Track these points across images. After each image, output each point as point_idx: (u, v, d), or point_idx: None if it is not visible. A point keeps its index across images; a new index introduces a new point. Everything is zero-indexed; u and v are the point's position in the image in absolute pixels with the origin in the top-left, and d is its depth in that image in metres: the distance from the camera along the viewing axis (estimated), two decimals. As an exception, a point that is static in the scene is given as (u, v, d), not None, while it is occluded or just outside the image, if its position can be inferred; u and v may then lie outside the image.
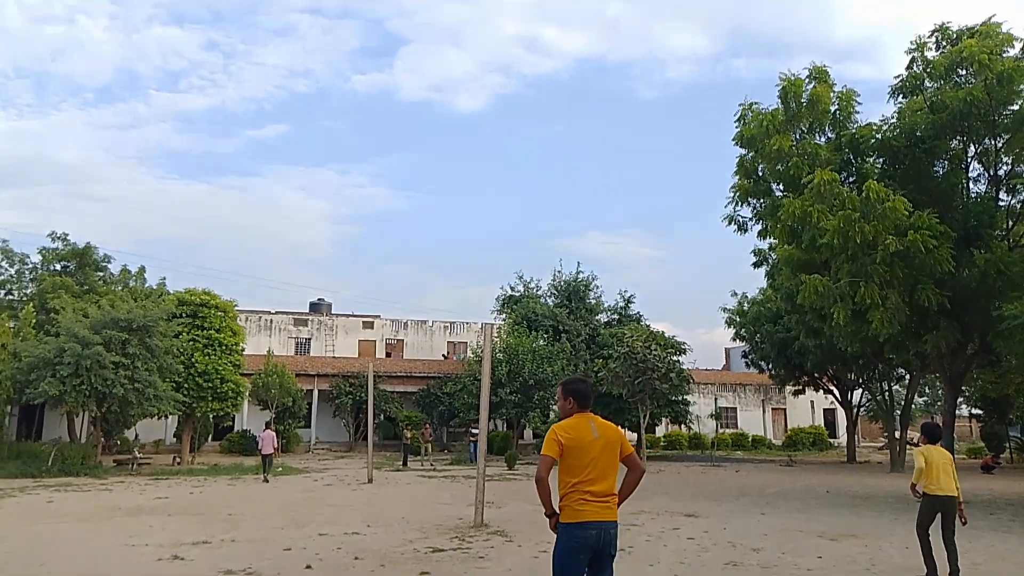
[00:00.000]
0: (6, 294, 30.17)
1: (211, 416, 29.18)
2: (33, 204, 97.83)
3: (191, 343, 25.86)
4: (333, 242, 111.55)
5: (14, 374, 22.38)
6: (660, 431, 43.18)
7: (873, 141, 16.10)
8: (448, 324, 49.46)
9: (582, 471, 4.40)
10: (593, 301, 40.22)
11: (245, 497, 16.04)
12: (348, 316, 48.33)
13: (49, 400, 22.29)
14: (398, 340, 48.01)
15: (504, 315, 39.73)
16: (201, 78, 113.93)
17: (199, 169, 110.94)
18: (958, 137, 16.54)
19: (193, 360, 25.68)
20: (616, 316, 40.30)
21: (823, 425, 47.86)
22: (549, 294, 40.61)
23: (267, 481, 20.01)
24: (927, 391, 44.74)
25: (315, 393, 36.99)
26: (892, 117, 16.50)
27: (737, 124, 17.00)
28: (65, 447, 23.52)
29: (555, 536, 4.46)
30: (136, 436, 28.52)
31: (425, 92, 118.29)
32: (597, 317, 39.99)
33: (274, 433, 22.99)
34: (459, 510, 13.46)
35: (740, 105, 16.94)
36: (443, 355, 46.55)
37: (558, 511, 4.43)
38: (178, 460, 26.49)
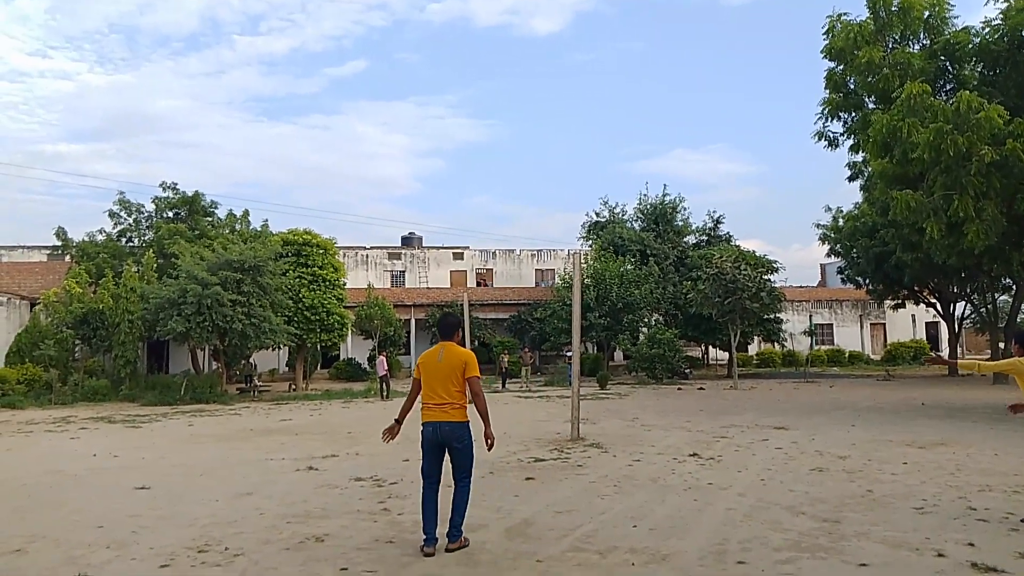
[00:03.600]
0: (127, 242, 32.66)
1: (319, 346, 31.16)
2: (132, 155, 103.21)
3: (297, 280, 27.56)
4: (417, 176, 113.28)
5: (143, 314, 24.60)
6: (752, 349, 43.16)
7: (971, 47, 15.39)
8: (535, 252, 50.21)
9: (427, 386, 5.89)
10: (681, 223, 40.00)
11: (360, 418, 17.48)
12: (439, 248, 49.73)
13: (176, 336, 24.42)
14: (487, 269, 49.18)
15: (591, 241, 40.09)
16: (281, 19, 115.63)
17: (284, 111, 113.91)
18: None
19: (300, 296, 27.42)
20: (705, 237, 40.03)
21: (925, 339, 46.62)
22: (635, 218, 40.63)
23: (386, 398, 22.57)
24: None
25: (412, 322, 38.71)
26: (996, 19, 15.66)
27: (825, 36, 16.53)
28: (193, 378, 25.81)
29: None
30: (254, 365, 30.71)
31: (501, 16, 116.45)
32: (685, 239, 39.83)
33: (385, 358, 25.19)
34: (556, 426, 14.38)
35: (828, 17, 16.44)
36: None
37: (401, 423, 6.15)
38: (293, 387, 28.65)
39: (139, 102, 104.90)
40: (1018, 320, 28.70)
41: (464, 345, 23.67)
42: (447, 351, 5.92)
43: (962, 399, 20.09)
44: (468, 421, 5.84)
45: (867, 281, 34.46)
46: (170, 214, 32.38)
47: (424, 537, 5.72)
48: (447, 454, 5.88)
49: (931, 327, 47.18)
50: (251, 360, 28.72)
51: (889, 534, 6.09)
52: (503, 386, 28.76)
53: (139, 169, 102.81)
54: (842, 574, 5.07)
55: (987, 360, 36.85)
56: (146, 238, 32.12)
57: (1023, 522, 6.42)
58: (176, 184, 32.37)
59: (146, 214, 32.65)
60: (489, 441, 5.97)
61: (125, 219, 32.48)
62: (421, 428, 5.86)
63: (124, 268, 27.10)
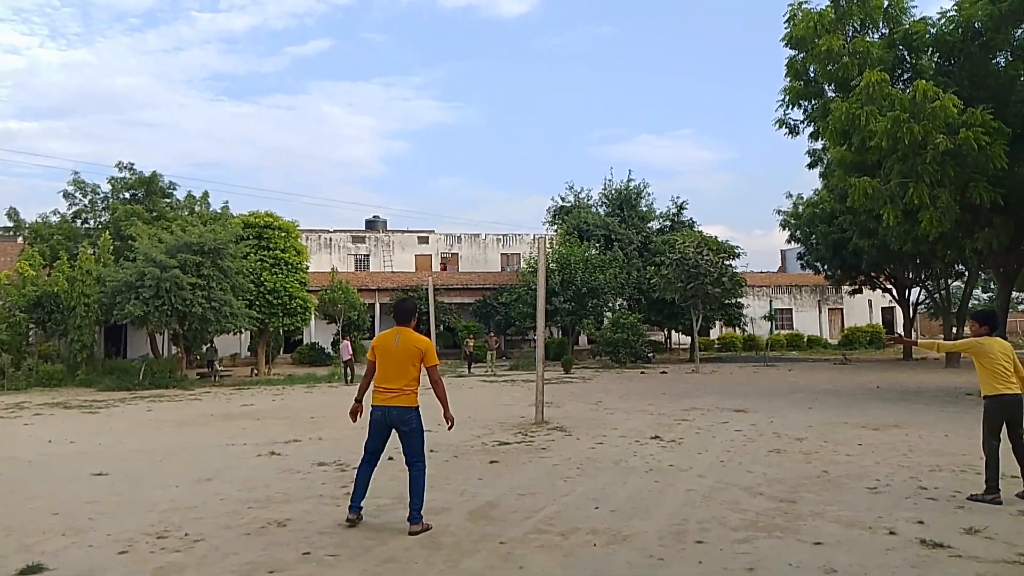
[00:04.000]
0: (83, 223, 31.89)
1: (282, 331, 30.83)
2: (89, 133, 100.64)
3: (259, 263, 27.19)
4: (383, 158, 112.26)
5: (100, 297, 24.08)
6: (714, 334, 43.82)
7: (928, 36, 15.67)
8: (501, 236, 50.19)
9: (381, 370, 5.97)
10: (645, 208, 40.33)
11: (323, 402, 17.37)
12: (403, 232, 49.44)
13: (134, 320, 23.95)
14: (452, 253, 49.05)
15: (556, 226, 40.22)
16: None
17: (246, 90, 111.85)
18: (1022, 27, 15.96)
19: (262, 279, 27.07)
20: (669, 223, 40.41)
21: (881, 324, 47.75)
22: (600, 203, 40.82)
23: (350, 383, 22.58)
24: (992, 287, 44.03)
25: (376, 307, 38.50)
26: (951, 10, 15.97)
27: (786, 24, 16.69)
28: (152, 363, 25.37)
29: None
30: (215, 350, 30.30)
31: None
32: (649, 224, 40.17)
33: (349, 342, 25.11)
34: (521, 410, 14.46)
35: (789, 5, 16.60)
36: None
37: (361, 402, 6.25)
38: (255, 372, 28.35)
39: (95, 79, 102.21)
40: (970, 305, 29.55)
41: (429, 330, 23.64)
42: (403, 337, 6.02)
43: (916, 383, 20.64)
44: (418, 406, 6.00)
45: (825, 267, 35.15)
46: (127, 195, 31.69)
47: (350, 505, 6.03)
48: (395, 436, 6.05)
49: (887, 312, 48.32)
50: (213, 345, 28.37)
51: (843, 513, 6.26)
52: (468, 370, 28.77)
53: (95, 149, 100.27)
54: (797, 552, 5.20)
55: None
56: (102, 220, 31.42)
57: (970, 499, 6.64)
58: (133, 164, 31.79)
59: (102, 195, 31.93)
60: (449, 423, 6.27)
61: (80, 200, 31.73)
62: (371, 410, 6.06)
63: (80, 250, 26.46)
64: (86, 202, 31.81)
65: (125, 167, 31.59)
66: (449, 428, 6.22)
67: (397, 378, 5.91)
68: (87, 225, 31.80)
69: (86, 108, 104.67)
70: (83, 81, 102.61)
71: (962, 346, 7.24)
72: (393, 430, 6.01)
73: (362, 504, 6.06)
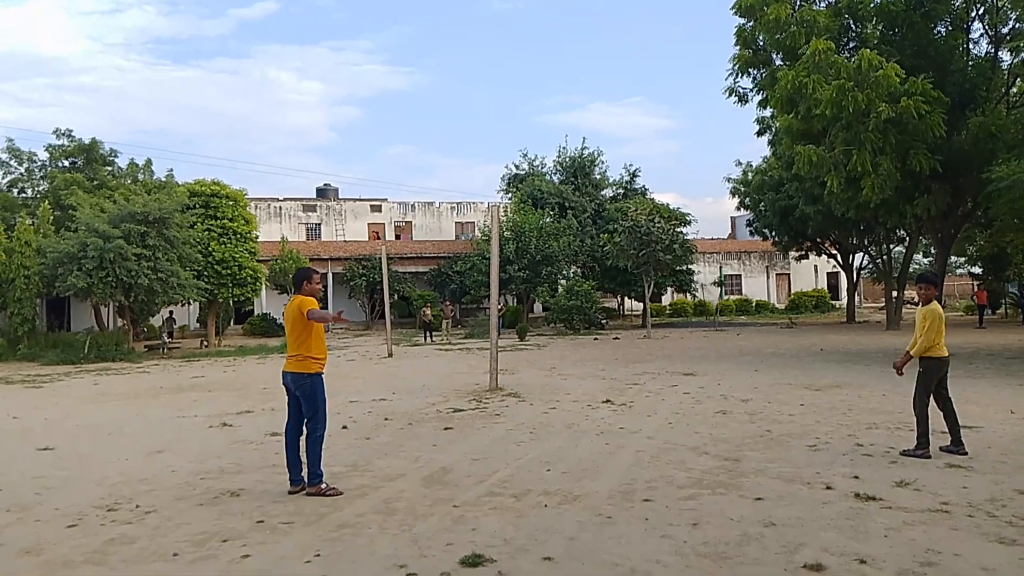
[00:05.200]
0: (19, 192, 30.75)
1: (232, 301, 30.33)
2: (21, 98, 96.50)
3: (206, 233, 26.58)
4: (332, 126, 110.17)
5: (40, 269, 23.35)
6: (666, 300, 44.54)
7: (872, 6, 15.97)
8: (455, 204, 49.97)
9: (287, 338, 6.23)
10: (599, 176, 40.53)
11: (276, 373, 17.09)
12: (356, 200, 48.84)
13: (78, 292, 23.31)
14: (406, 222, 48.70)
15: (510, 194, 40.18)
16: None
17: (189, 53, 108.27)
18: (961, -4, 16.36)
19: (210, 249, 26.49)
20: (622, 190, 40.70)
21: (826, 289, 49.08)
22: (554, 171, 40.88)
23: None
24: (932, 252, 45.51)
25: (329, 276, 38.08)
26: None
27: (737, -8, 16.83)
28: (98, 335, 24.78)
29: None
30: (169, 320, 29.74)
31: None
32: (603, 192, 40.41)
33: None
34: (475, 378, 14.57)
35: (739, -28, 16.70)
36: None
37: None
38: (205, 343, 27.89)
39: (26, 41, 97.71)
40: (911, 269, 30.56)
41: (383, 299, 23.55)
42: (291, 304, 6.21)
43: (857, 344, 21.34)
44: (313, 372, 6.14)
45: (773, 233, 35.88)
46: (66, 163, 30.63)
47: (290, 479, 6.20)
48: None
49: (832, 277, 49.67)
50: (172, 316, 27.71)
51: (784, 470, 6.51)
52: (425, 339, 28.76)
53: (28, 114, 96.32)
54: (739, 508, 5.41)
55: (881, 308, 39.12)
56: (40, 189, 30.36)
57: (903, 454, 6.96)
58: (71, 131, 30.63)
59: (39, 163, 30.79)
60: (339, 312, 6.79)
61: (16, 168, 30.59)
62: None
63: (17, 221, 25.54)
64: (22, 170, 30.67)
65: (63, 134, 30.46)
66: (340, 315, 6.48)
67: (291, 344, 6.17)
68: (24, 195, 30.68)
69: (17, 72, 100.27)
70: (13, 43, 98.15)
71: (936, 323, 7.05)
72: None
73: (299, 476, 6.18)
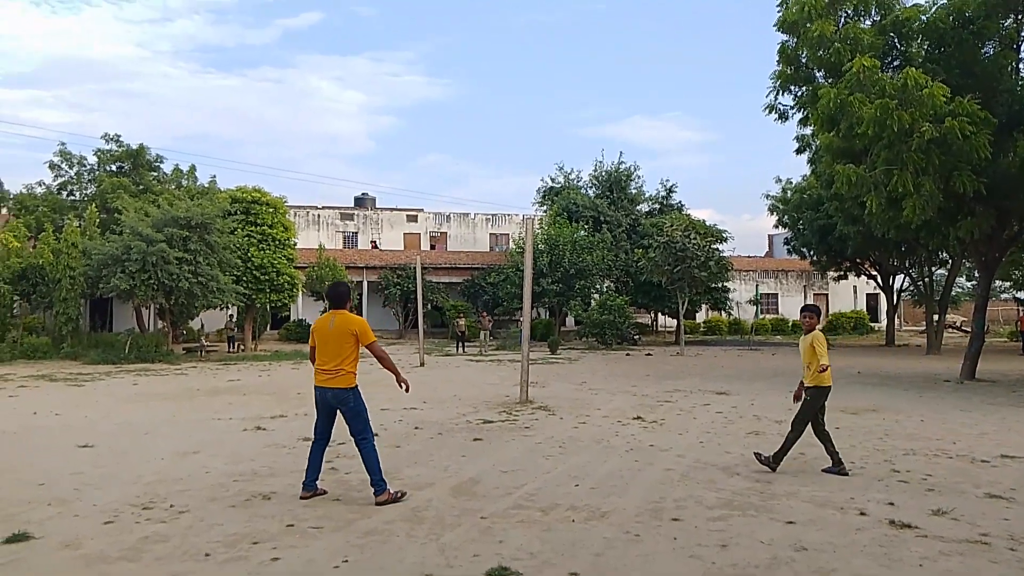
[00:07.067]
0: (68, 195, 31.63)
1: (269, 307, 30.80)
2: (72, 103, 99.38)
3: (246, 239, 27.08)
4: (371, 134, 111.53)
5: (85, 271, 23.96)
6: (700, 317, 44.09)
7: (918, 24, 15.70)
8: (490, 216, 50.17)
9: (320, 352, 6.21)
10: (634, 191, 40.40)
11: (310, 379, 17.37)
12: (392, 210, 49.30)
13: (120, 294, 23.86)
14: (441, 232, 48.99)
15: (545, 206, 40.23)
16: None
17: (234, 62, 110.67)
18: (1012, 15, 16.00)
19: (249, 255, 26.97)
20: (657, 205, 40.52)
21: (865, 310, 48.18)
22: (590, 185, 40.85)
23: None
24: (975, 275, 44.44)
25: (364, 284, 38.45)
26: (942, -2, 15.99)
27: (779, 8, 16.66)
28: (139, 337, 25.31)
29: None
30: (202, 325, 30.41)
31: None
32: (638, 207, 40.26)
33: None
34: (506, 389, 14.58)
35: (782, -11, 16.57)
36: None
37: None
38: (242, 348, 28.33)
39: (79, 48, 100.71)
40: (952, 293, 29.86)
41: (417, 308, 23.64)
42: (338, 319, 6.20)
43: (896, 368, 20.92)
44: (354, 386, 6.22)
45: (811, 252, 35.35)
46: (113, 167, 31.43)
47: (303, 483, 6.27)
48: (340, 416, 6.31)
49: (871, 298, 48.74)
50: (199, 319, 28.20)
51: (817, 494, 6.41)
52: (458, 349, 28.85)
53: (79, 119, 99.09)
54: (769, 530, 5.34)
55: (922, 332, 38.33)
56: (88, 192, 31.19)
57: (825, 471, 7.15)
58: (119, 136, 31.46)
59: (88, 167, 31.64)
60: (404, 386, 6.54)
61: (66, 171, 31.47)
62: (314, 390, 6.34)
63: (65, 222, 26.27)
64: (72, 173, 31.55)
65: (111, 139, 31.33)
66: (406, 391, 6.54)
67: (332, 359, 6.14)
68: (73, 197, 31.55)
69: (70, 77, 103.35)
70: (67, 49, 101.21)
71: (824, 347, 7.61)
72: (337, 411, 6.26)
73: (316, 482, 6.31)
